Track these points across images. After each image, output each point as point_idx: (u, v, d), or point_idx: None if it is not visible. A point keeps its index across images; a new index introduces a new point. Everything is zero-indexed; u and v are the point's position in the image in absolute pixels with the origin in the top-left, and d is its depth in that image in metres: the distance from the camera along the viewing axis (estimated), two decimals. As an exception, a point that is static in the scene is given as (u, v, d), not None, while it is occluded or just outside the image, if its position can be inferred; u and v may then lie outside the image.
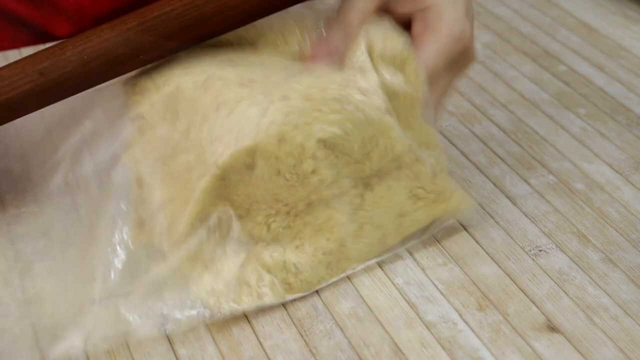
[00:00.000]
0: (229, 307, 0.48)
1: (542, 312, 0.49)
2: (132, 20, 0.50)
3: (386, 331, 0.48)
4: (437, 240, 0.54)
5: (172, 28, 0.50)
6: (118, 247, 0.49)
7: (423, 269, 0.52)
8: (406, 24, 0.55)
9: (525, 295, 0.50)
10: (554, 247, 0.54)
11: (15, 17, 0.76)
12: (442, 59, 0.53)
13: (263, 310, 0.49)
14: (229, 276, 0.49)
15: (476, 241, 0.54)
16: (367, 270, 0.52)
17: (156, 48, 0.50)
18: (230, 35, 0.54)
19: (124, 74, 0.52)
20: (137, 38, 0.49)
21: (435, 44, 0.53)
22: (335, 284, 0.51)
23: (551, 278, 0.52)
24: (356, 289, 0.51)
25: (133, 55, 0.50)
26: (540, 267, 0.52)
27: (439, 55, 0.53)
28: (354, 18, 0.53)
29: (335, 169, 0.49)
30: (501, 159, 0.62)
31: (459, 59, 0.55)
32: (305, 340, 0.47)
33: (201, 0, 0.49)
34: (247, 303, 0.48)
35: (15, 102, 0.50)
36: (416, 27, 0.54)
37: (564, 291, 0.51)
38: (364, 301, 0.50)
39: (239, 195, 0.49)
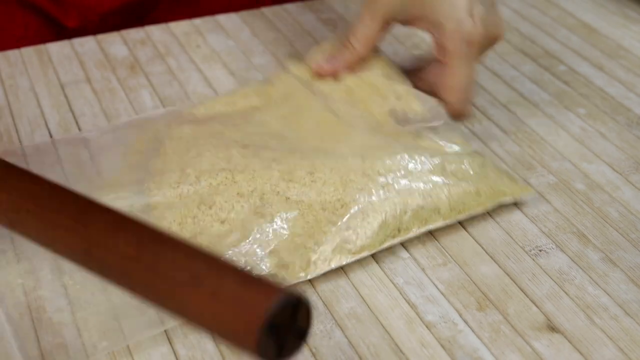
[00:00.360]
0: None
1: (542, 312, 0.49)
2: (81, 245, 0.43)
3: (386, 331, 0.48)
4: (437, 240, 0.54)
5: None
6: None
7: (423, 269, 0.52)
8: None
9: (525, 295, 0.50)
10: (554, 247, 0.54)
11: (29, 4, 0.77)
12: (469, 70, 0.59)
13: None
14: None
15: (476, 241, 0.54)
16: (367, 270, 0.52)
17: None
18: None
19: None
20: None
21: (457, 67, 0.58)
22: (335, 284, 0.51)
23: (551, 278, 0.52)
24: (356, 289, 0.51)
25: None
26: (540, 267, 0.52)
27: (468, 74, 0.59)
28: (358, 45, 0.60)
29: None
30: (501, 159, 0.62)
31: (485, 46, 0.60)
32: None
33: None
34: None
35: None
36: (435, 50, 0.60)
37: (564, 291, 0.51)
38: (364, 301, 0.50)
39: None
